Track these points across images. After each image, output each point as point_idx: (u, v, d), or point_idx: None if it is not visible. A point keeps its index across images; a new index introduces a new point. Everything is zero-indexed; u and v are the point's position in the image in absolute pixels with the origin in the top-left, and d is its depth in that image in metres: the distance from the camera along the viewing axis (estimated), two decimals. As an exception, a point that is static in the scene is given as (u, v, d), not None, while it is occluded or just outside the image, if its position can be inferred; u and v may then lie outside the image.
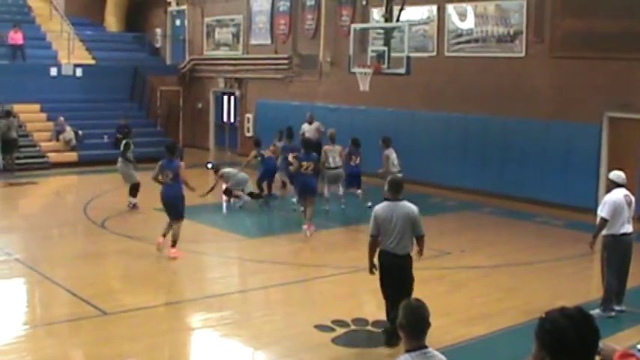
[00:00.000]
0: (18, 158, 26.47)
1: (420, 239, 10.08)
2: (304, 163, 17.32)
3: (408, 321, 5.27)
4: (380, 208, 10.01)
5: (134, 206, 19.48)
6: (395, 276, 9.90)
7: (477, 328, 10.96)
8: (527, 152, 21.04)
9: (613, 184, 11.48)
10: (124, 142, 20.28)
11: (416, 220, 9.88)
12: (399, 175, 16.66)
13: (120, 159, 19.77)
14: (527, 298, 12.47)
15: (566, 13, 20.38)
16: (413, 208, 9.93)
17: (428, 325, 5.30)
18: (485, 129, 22.13)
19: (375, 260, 10.10)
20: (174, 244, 14.78)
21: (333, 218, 19.28)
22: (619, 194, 11.28)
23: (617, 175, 11.59)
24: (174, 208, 15.09)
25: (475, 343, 10.44)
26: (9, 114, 26.43)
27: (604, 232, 11.32)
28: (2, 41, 30.36)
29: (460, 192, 22.17)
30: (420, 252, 10.24)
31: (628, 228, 11.32)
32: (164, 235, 15.02)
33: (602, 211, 11.23)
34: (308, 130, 23.63)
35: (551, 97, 20.82)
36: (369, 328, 10.83)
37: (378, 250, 10.01)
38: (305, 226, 17.11)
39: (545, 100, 20.93)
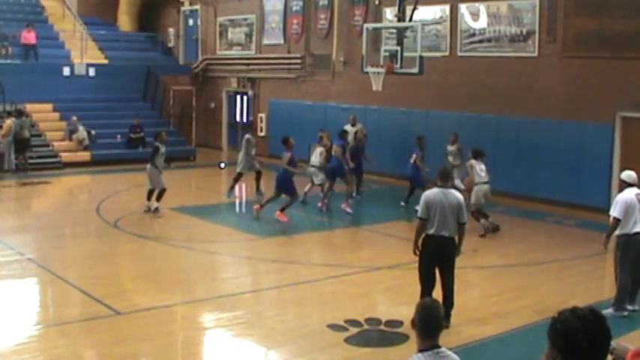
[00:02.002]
0: (31, 158, 26.52)
1: (462, 226, 10.80)
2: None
3: (421, 320, 5.27)
4: (432, 193, 10.74)
5: (156, 210, 19.01)
6: (440, 257, 10.76)
7: (489, 328, 10.97)
8: (540, 152, 21.01)
9: (625, 184, 11.49)
10: (154, 145, 19.63)
11: (462, 207, 10.71)
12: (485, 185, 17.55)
13: (149, 164, 19.31)
14: (539, 298, 12.46)
15: (578, 13, 20.34)
16: (460, 196, 10.87)
17: (442, 325, 5.31)
18: (498, 128, 22.11)
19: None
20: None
21: (346, 218, 19.27)
22: (631, 193, 11.27)
23: (628, 174, 11.59)
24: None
25: (487, 342, 10.46)
26: (21, 113, 26.51)
27: (617, 231, 11.31)
28: (15, 41, 30.47)
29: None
30: (459, 244, 10.99)
31: (638, 228, 11.32)
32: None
33: (615, 211, 11.23)
34: (350, 131, 23.77)
35: (564, 96, 20.80)
36: (382, 327, 10.84)
37: (423, 235, 10.77)
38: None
39: (558, 100, 20.90)
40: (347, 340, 10.28)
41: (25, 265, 14.39)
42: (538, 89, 21.36)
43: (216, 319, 11.58)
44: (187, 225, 18.33)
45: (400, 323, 10.70)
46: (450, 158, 20.93)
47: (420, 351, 5.19)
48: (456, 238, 10.81)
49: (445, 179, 10.88)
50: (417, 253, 10.83)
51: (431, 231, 10.57)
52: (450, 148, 21.21)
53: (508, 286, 13.37)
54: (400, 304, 12.03)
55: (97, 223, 18.28)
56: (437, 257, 10.73)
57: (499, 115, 22.13)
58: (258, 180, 21.55)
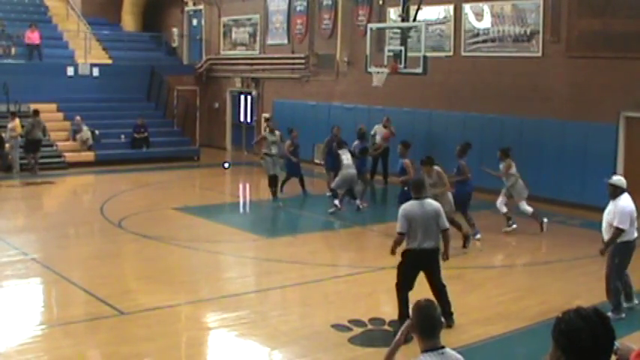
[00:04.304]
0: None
1: (444, 233, 10.70)
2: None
3: (418, 321, 5.30)
4: (409, 205, 10.53)
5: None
6: (423, 267, 10.60)
7: (493, 328, 10.96)
8: (544, 152, 21.00)
9: (619, 190, 11.30)
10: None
11: (440, 214, 10.54)
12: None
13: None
14: (543, 298, 12.45)
15: (582, 13, 20.32)
16: (436, 204, 10.75)
17: (439, 323, 5.32)
18: (502, 128, 22.08)
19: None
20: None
21: (351, 217, 19.27)
22: (630, 201, 11.18)
23: (621, 180, 11.47)
24: None
25: (492, 342, 10.45)
26: (36, 113, 26.52)
27: (618, 239, 11.23)
28: (19, 41, 30.50)
29: (477, 192, 22.08)
30: (446, 250, 10.91)
31: (636, 233, 11.33)
32: None
33: (621, 223, 11.06)
34: (380, 132, 23.83)
35: (568, 96, 20.78)
36: (386, 327, 10.84)
37: (404, 249, 10.61)
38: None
39: (562, 100, 20.89)
40: (351, 340, 10.29)
41: (29, 265, 14.40)
42: (542, 89, 21.35)
43: (220, 319, 11.59)
44: (191, 225, 18.34)
45: (398, 322, 10.71)
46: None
47: (424, 352, 5.20)
48: (441, 246, 10.73)
49: (419, 190, 10.67)
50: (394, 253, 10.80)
51: (413, 245, 10.42)
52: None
53: (512, 286, 13.37)
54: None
55: (100, 223, 18.29)
56: (420, 268, 10.64)
57: (503, 115, 22.12)
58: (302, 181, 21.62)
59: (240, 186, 21.28)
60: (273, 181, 20.27)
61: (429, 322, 5.28)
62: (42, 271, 13.98)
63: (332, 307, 12.17)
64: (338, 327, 10.74)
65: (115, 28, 36.80)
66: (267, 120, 22.22)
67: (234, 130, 34.02)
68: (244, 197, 22.03)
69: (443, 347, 5.21)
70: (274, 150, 20.41)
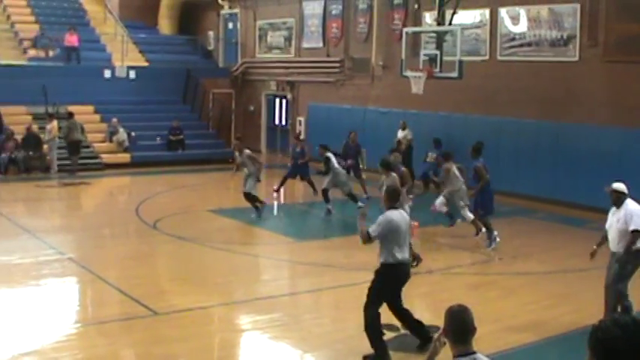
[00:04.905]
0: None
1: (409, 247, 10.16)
2: None
3: (451, 326, 5.26)
4: (395, 214, 9.84)
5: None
6: (403, 284, 10.09)
7: (527, 335, 10.89)
8: (581, 158, 20.81)
9: (623, 196, 11.11)
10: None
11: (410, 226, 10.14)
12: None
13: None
14: (578, 306, 12.36)
15: (620, 17, 20.16)
16: (407, 215, 10.31)
17: (472, 329, 5.23)
18: (538, 134, 21.96)
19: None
20: None
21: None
22: (637, 205, 11.01)
23: (623, 186, 11.27)
24: None
25: (525, 350, 10.37)
26: (71, 115, 26.75)
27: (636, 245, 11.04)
28: (58, 44, 30.79)
29: (512, 197, 22.02)
30: (414, 258, 10.51)
31: None
32: None
33: (638, 225, 10.86)
34: (402, 136, 24.06)
35: (605, 101, 20.60)
36: (419, 332, 10.81)
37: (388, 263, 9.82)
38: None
39: (599, 105, 20.71)
40: (384, 345, 10.26)
41: (65, 265, 14.57)
42: (579, 94, 21.19)
43: (253, 322, 11.62)
44: (225, 227, 18.40)
45: (437, 328, 10.61)
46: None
47: (455, 357, 5.18)
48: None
49: (395, 199, 10.02)
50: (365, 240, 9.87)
51: (400, 256, 9.72)
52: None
53: (547, 294, 13.27)
54: (438, 309, 11.94)
55: (136, 224, 18.42)
56: (403, 284, 10.03)
57: (539, 119, 21.99)
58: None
59: (274, 188, 21.28)
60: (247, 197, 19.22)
61: (462, 327, 5.24)
62: (78, 271, 14.12)
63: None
64: (371, 332, 10.72)
65: (151, 31, 37.07)
66: (238, 138, 21.84)
67: (268, 133, 34.09)
68: (278, 200, 22.04)
69: (474, 352, 5.18)
70: (246, 170, 19.15)
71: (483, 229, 16.55)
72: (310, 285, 13.59)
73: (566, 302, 12.72)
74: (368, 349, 9.94)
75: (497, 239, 16.23)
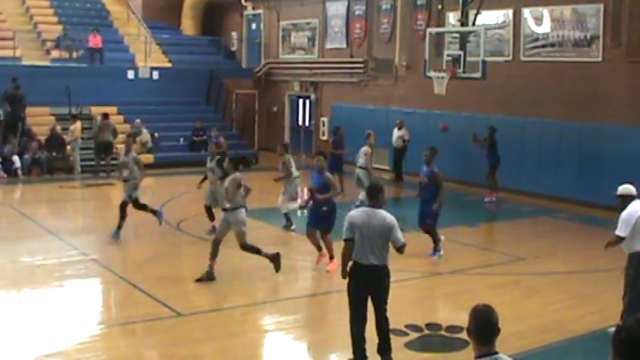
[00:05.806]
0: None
1: (399, 250, 9.59)
2: None
3: (475, 325, 5.21)
4: (356, 212, 9.53)
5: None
6: (369, 288, 9.47)
7: (551, 335, 10.89)
8: (604, 158, 20.74)
9: (629, 198, 11.05)
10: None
11: (392, 228, 9.33)
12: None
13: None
14: (602, 305, 12.32)
15: (645, 17, 20.10)
16: (390, 216, 9.39)
17: (496, 329, 5.17)
18: (561, 134, 21.90)
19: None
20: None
21: (410, 222, 19.22)
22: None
23: (628, 189, 11.20)
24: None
25: (549, 349, 10.38)
26: (106, 116, 26.89)
27: (630, 249, 11.00)
28: (82, 44, 30.98)
29: (535, 197, 21.98)
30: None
31: None
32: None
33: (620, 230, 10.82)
34: (394, 135, 24.17)
35: (629, 102, 20.53)
36: (443, 333, 10.84)
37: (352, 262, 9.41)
38: None
39: (622, 106, 20.64)
40: (407, 345, 10.31)
41: (89, 265, 14.67)
42: (602, 94, 21.13)
43: (277, 322, 11.67)
44: (249, 227, 18.39)
45: (461, 329, 10.65)
46: None
47: (478, 357, 5.16)
48: (389, 266, 9.61)
49: (374, 197, 9.45)
50: (346, 277, 9.53)
51: (357, 257, 9.26)
52: None
53: (571, 293, 13.26)
54: (461, 309, 11.91)
55: (159, 224, 18.46)
56: (366, 288, 9.41)
57: (562, 120, 21.94)
58: None
59: (298, 189, 21.28)
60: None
61: (487, 327, 5.20)
62: (101, 272, 14.23)
63: (389, 312, 12.14)
64: (394, 332, 10.69)
65: (174, 32, 37.22)
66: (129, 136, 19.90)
67: (292, 133, 34.13)
68: (302, 200, 22.06)
69: (497, 353, 5.15)
70: (125, 173, 18.32)
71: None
72: (334, 285, 13.57)
73: (591, 302, 12.70)
74: (392, 349, 9.93)
75: (442, 252, 15.52)
